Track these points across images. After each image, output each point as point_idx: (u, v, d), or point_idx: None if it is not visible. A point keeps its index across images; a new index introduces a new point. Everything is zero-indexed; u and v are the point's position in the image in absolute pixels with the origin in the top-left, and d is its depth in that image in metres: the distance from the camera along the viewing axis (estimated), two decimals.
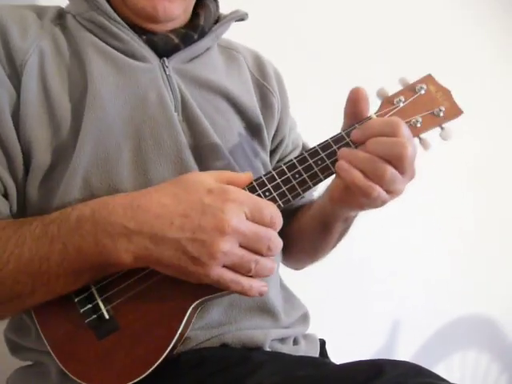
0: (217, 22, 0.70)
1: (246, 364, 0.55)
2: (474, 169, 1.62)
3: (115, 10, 0.61)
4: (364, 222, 0.70)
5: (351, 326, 1.37)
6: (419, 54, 1.39)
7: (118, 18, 0.61)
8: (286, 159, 0.79)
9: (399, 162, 0.51)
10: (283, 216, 0.52)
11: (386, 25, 1.40)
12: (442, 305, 1.57)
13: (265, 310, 0.63)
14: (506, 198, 1.70)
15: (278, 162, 0.79)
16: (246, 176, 0.54)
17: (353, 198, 0.56)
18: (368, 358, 0.55)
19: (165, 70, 0.63)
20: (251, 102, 0.71)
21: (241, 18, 0.71)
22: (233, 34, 0.74)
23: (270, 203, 0.51)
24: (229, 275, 0.48)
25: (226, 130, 0.65)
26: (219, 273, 0.48)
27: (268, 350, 0.62)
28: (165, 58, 0.63)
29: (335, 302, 1.33)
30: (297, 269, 0.84)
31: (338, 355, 0.75)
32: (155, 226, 0.47)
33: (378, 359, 0.54)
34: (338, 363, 0.59)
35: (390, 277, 1.45)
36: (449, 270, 1.58)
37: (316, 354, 0.72)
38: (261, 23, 0.96)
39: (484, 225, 1.66)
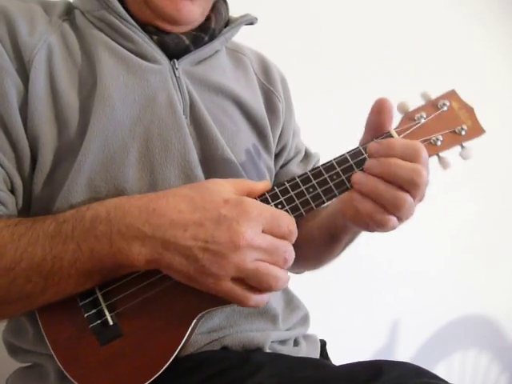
0: (226, 25, 0.69)
1: (246, 365, 0.55)
2: (475, 167, 1.62)
3: (126, 10, 0.61)
4: None
5: (352, 326, 1.37)
6: (420, 57, 1.39)
7: (130, 18, 0.60)
8: (289, 164, 0.79)
9: (415, 190, 0.49)
10: None
11: (389, 30, 1.40)
12: (442, 305, 1.57)
13: (265, 313, 0.63)
14: (507, 196, 1.70)
15: (281, 167, 0.78)
16: (264, 184, 0.53)
17: (364, 223, 0.53)
18: (368, 359, 0.55)
19: (174, 72, 0.62)
20: (258, 105, 0.71)
21: (250, 22, 0.70)
22: (240, 36, 0.73)
23: (287, 214, 0.50)
24: (239, 291, 0.47)
25: (233, 134, 0.65)
26: (229, 286, 0.46)
27: (268, 351, 0.62)
28: (175, 60, 0.62)
29: (336, 302, 1.33)
30: (297, 273, 0.84)
31: (339, 356, 0.75)
32: (168, 232, 0.46)
33: (378, 360, 0.54)
34: (338, 364, 0.59)
35: (389, 277, 1.45)
36: (449, 270, 1.58)
37: (317, 355, 0.72)
38: (269, 26, 0.95)
39: (484, 225, 1.66)
